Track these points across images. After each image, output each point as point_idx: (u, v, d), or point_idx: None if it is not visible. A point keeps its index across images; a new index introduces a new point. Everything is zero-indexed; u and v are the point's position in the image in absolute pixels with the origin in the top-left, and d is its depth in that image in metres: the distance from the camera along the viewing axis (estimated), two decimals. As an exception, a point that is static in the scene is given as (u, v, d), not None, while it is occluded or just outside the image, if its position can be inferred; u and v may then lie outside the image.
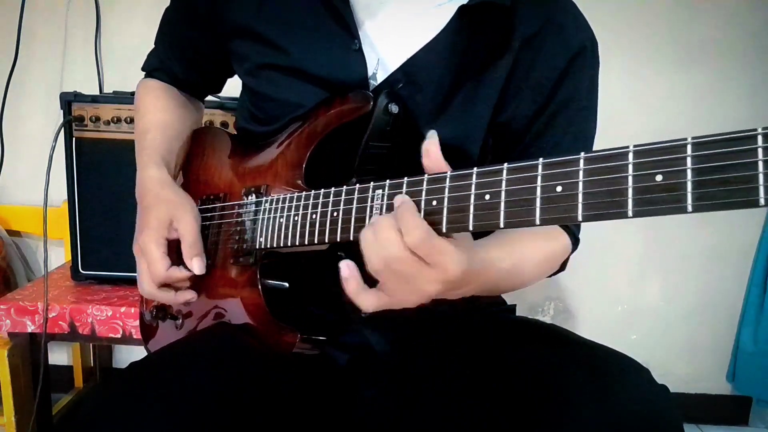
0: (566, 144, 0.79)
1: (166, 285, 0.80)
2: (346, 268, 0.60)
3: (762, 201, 0.37)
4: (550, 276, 0.84)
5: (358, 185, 0.64)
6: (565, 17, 0.78)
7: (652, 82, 1.75)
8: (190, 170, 0.93)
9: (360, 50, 0.76)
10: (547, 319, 1.84)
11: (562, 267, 0.84)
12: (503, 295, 0.92)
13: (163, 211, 0.80)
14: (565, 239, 0.80)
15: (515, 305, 0.90)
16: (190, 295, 0.81)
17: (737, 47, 1.73)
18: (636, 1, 1.72)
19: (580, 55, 0.78)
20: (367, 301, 0.60)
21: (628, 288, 1.88)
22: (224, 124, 1.30)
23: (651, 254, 1.85)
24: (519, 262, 0.73)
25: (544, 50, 0.77)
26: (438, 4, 0.77)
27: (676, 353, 1.90)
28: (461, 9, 0.74)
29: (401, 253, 0.55)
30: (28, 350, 1.30)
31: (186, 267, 0.79)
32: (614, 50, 1.70)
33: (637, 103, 1.75)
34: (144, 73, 1.00)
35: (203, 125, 1.27)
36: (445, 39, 0.75)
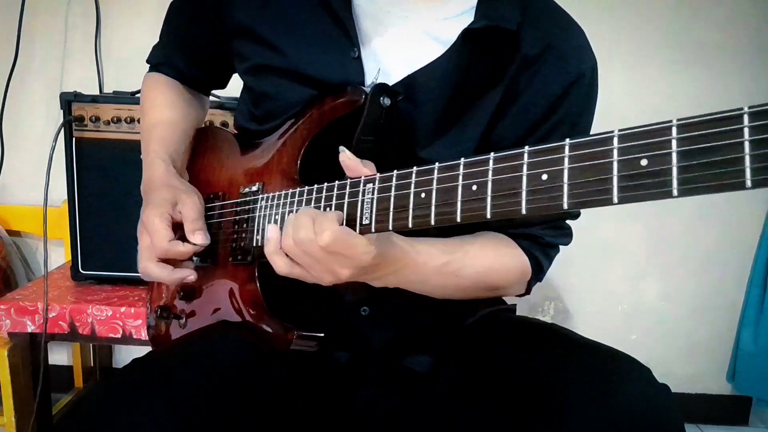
0: None
1: (164, 262, 0.78)
2: (271, 231, 0.68)
3: (749, 183, 0.37)
4: (519, 295, 0.85)
5: (349, 180, 0.64)
6: (568, 45, 0.78)
7: (652, 82, 1.75)
8: (192, 169, 0.93)
9: (359, 58, 0.76)
10: (548, 319, 1.84)
11: (527, 291, 0.84)
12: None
13: (168, 193, 0.80)
14: (523, 260, 0.80)
15: (515, 305, 0.90)
16: (187, 271, 0.78)
17: (737, 47, 1.73)
18: (636, 1, 1.72)
19: (577, 83, 0.77)
20: (281, 264, 0.67)
21: (628, 288, 1.88)
22: (224, 124, 1.30)
23: (651, 254, 1.85)
24: (456, 262, 0.74)
25: (540, 75, 0.76)
26: (444, 18, 0.77)
27: (676, 353, 1.90)
28: (466, 32, 0.73)
29: (314, 246, 0.62)
30: (28, 350, 1.30)
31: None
32: (614, 50, 1.70)
33: (637, 103, 1.75)
34: (148, 66, 0.99)
35: (203, 124, 1.27)
36: (447, 60, 0.75)
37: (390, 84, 0.76)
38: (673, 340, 1.90)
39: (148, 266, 0.78)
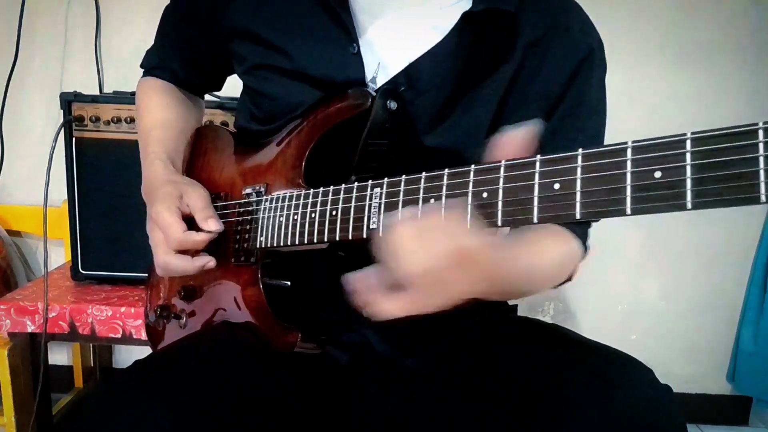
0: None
1: (181, 253, 0.78)
2: (354, 281, 0.55)
3: (763, 198, 0.37)
4: (557, 286, 0.79)
5: (356, 183, 0.64)
6: (570, 20, 0.78)
7: (652, 82, 1.75)
8: (192, 169, 0.93)
9: (358, 54, 0.76)
10: (548, 319, 1.84)
11: (569, 277, 0.81)
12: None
13: (172, 188, 0.80)
14: (576, 244, 0.78)
15: (516, 305, 0.90)
16: (207, 258, 0.78)
17: (737, 47, 1.73)
18: (636, 1, 1.72)
19: (588, 58, 0.77)
20: (391, 308, 0.54)
21: (628, 288, 1.88)
22: (224, 124, 1.30)
23: (651, 254, 1.85)
24: (535, 262, 0.70)
25: (549, 55, 0.76)
26: (440, 7, 0.77)
27: (676, 353, 1.90)
28: (465, 15, 0.73)
29: (447, 262, 0.51)
30: (28, 350, 1.30)
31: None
32: (614, 50, 1.69)
33: (637, 103, 1.75)
34: (143, 70, 1.00)
35: (203, 124, 1.27)
36: (448, 45, 0.75)
37: (391, 75, 0.76)
38: (673, 340, 1.90)
39: (168, 260, 0.78)
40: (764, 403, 1.90)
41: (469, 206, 0.52)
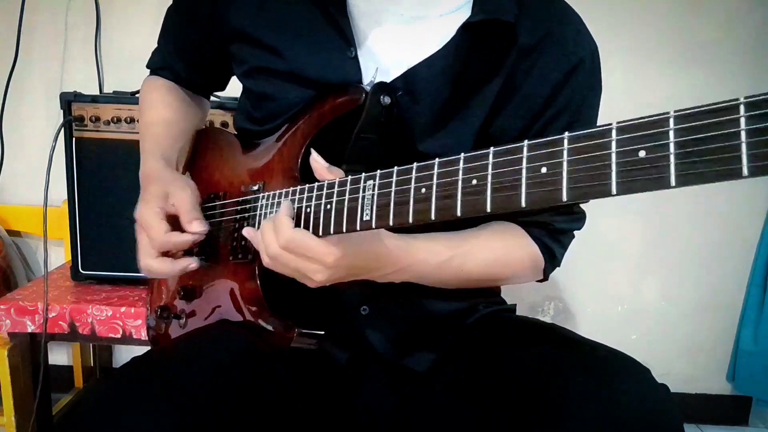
0: None
1: (164, 256, 0.78)
2: (248, 232, 0.72)
3: (745, 171, 0.37)
4: (538, 280, 0.85)
5: (350, 177, 0.64)
6: (566, 31, 0.77)
7: (652, 82, 1.75)
8: (194, 169, 0.94)
9: (356, 58, 0.76)
10: (548, 319, 1.84)
11: (545, 277, 0.85)
12: (503, 295, 0.92)
13: (159, 187, 0.80)
14: (532, 249, 0.81)
15: (515, 305, 0.90)
16: (188, 260, 0.78)
17: (737, 47, 1.73)
18: (636, 1, 1.72)
19: (577, 69, 0.77)
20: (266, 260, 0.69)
21: (628, 288, 1.88)
22: (224, 124, 1.30)
23: (651, 254, 1.85)
24: (459, 257, 0.75)
25: (540, 63, 0.76)
26: (440, 14, 0.77)
27: (676, 353, 1.90)
28: (465, 25, 0.73)
29: (279, 251, 0.65)
30: (28, 350, 1.30)
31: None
32: (614, 50, 1.70)
33: (637, 103, 1.75)
34: (149, 70, 1.00)
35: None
36: (446, 54, 0.75)
37: (389, 80, 0.76)
38: (673, 340, 1.90)
39: (149, 263, 0.78)
40: (764, 403, 1.89)
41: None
